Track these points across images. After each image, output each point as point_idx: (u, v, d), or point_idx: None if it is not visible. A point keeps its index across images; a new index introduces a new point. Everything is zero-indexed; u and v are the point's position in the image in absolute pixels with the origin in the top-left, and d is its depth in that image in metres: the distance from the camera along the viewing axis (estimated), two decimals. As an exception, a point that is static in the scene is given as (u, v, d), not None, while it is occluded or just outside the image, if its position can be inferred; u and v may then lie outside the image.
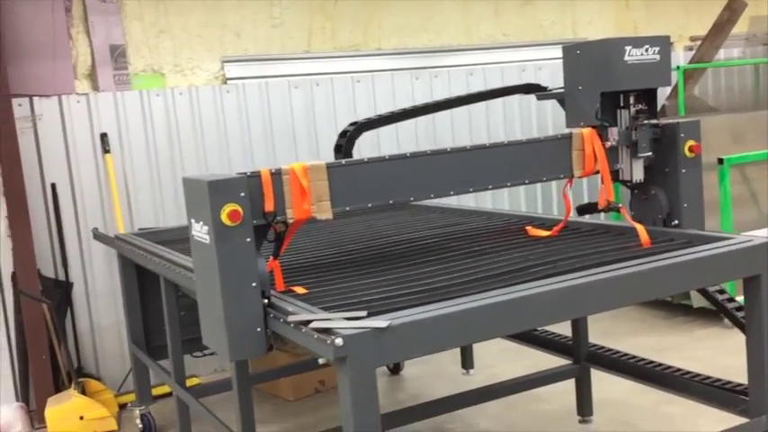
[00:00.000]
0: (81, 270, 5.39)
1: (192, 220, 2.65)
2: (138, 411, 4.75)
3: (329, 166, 2.76)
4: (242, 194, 2.52)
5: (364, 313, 2.37)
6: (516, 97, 6.51)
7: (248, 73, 5.92)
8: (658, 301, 6.18)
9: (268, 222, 2.66)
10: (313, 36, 6.20)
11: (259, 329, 2.55)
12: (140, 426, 4.73)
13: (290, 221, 2.72)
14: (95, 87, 5.45)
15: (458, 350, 5.25)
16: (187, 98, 5.66)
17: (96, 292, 5.43)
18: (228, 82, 5.86)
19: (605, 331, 5.20)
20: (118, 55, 5.48)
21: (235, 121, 5.80)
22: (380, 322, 2.24)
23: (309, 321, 2.34)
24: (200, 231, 2.58)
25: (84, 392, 4.94)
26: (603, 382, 4.32)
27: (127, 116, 5.47)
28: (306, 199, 2.70)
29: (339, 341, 2.15)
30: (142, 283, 4.66)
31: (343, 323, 2.28)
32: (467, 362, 5.25)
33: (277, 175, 2.67)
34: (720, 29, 6.65)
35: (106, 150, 5.36)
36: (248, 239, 2.54)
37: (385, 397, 4.96)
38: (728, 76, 7.80)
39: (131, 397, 5.04)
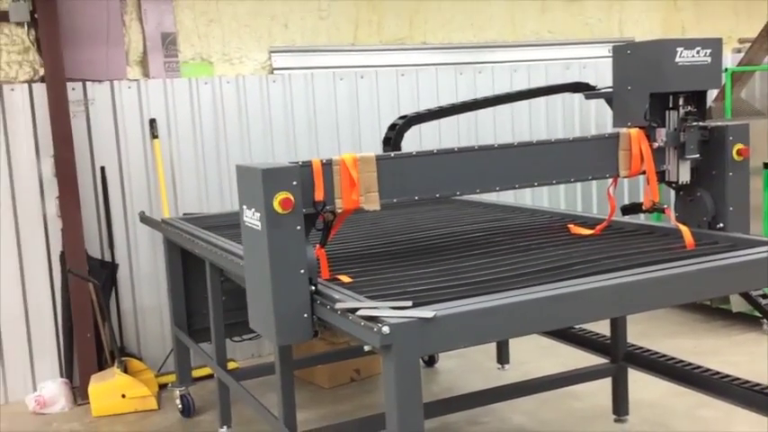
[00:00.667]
0: (126, 252, 5.51)
1: (244, 207, 2.71)
2: (178, 392, 4.85)
3: (379, 158, 2.81)
4: (294, 183, 2.58)
5: (410, 303, 2.42)
6: (560, 96, 6.48)
7: (294, 64, 5.99)
8: (697, 305, 6.14)
9: (317, 211, 2.72)
10: (359, 29, 6.25)
11: (306, 315, 2.61)
12: (180, 406, 4.83)
13: (339, 211, 2.77)
14: (146, 74, 5.56)
15: (492, 345, 5.27)
16: (234, 87, 5.75)
17: (140, 274, 5.55)
18: (275, 72, 5.93)
19: (643, 332, 5.19)
20: (168, 43, 5.58)
21: (280, 110, 5.88)
22: (426, 312, 2.29)
23: (356, 309, 2.39)
24: (252, 218, 2.64)
25: (126, 371, 5.07)
26: (639, 383, 4.33)
27: (175, 103, 5.58)
28: (355, 189, 2.76)
29: (386, 329, 2.20)
30: (185, 267, 4.77)
31: (389, 312, 2.33)
32: (502, 357, 5.26)
33: (328, 165, 2.73)
34: (771, 31, 6.55)
35: (154, 136, 5.47)
36: (298, 227, 2.60)
37: (420, 388, 5.00)
38: (777, 80, 7.68)
39: (171, 377, 5.15)
